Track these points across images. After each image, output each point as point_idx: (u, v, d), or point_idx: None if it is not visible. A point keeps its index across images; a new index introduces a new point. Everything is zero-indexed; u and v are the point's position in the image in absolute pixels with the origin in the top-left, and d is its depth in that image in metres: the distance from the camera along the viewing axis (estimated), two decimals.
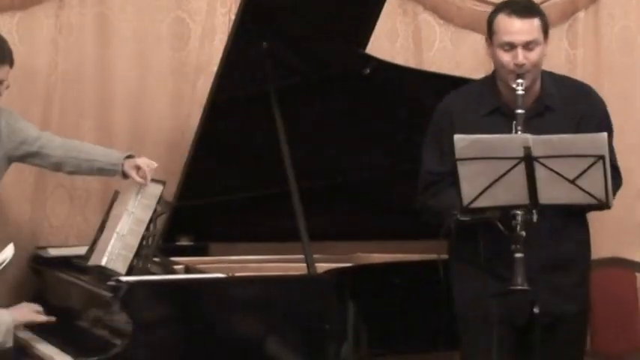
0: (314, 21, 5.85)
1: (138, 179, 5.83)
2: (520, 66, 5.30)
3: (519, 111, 5.21)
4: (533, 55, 5.35)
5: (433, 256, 5.64)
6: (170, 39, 6.66)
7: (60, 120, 6.48)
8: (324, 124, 5.99)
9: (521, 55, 5.32)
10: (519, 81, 5.26)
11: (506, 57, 5.35)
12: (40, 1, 6.46)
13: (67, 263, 6.07)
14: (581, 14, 7.03)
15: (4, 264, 5.21)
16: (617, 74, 6.81)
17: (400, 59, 6.55)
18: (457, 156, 5.02)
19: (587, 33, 7.08)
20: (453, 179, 5.15)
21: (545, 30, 5.48)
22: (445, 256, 5.60)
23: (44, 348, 5.55)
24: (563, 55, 6.54)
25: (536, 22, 5.42)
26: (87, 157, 6.05)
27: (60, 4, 6.49)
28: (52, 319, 5.64)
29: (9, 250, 5.23)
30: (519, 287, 5.01)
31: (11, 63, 5.90)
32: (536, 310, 5.23)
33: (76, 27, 6.52)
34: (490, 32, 5.48)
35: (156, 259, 5.86)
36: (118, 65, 6.60)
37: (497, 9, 5.52)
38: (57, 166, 6.09)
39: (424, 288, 5.76)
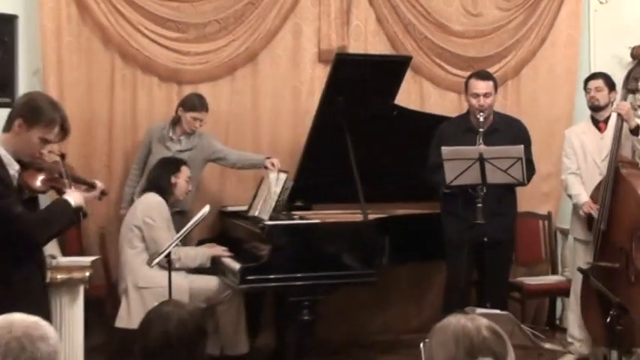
0: (367, 86, 5.77)
1: (273, 169, 5.90)
2: (481, 106, 5.42)
3: (481, 129, 5.34)
4: (488, 101, 5.48)
5: (431, 211, 5.84)
6: (290, 96, 6.50)
7: (233, 142, 6.36)
8: (372, 140, 5.77)
9: (482, 100, 5.45)
10: (481, 114, 5.38)
11: (474, 101, 5.48)
12: (221, 77, 6.36)
13: (237, 215, 6.11)
14: (509, 82, 6.86)
15: (203, 215, 5.13)
16: (528, 115, 6.48)
17: (412, 107, 6.31)
18: (444, 157, 5.17)
19: (512, 92, 6.89)
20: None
21: (496, 87, 5.58)
22: (438, 211, 5.72)
23: (225, 259, 5.59)
24: (499, 102, 6.25)
25: (490, 83, 5.53)
26: (247, 158, 6.13)
27: (232, 79, 6.39)
28: (231, 254, 5.66)
29: (206, 208, 5.15)
30: (479, 222, 5.14)
31: (207, 110, 5.94)
32: (485, 239, 5.30)
33: (241, 91, 6.43)
34: (466, 87, 5.57)
35: (283, 213, 5.89)
36: (263, 111, 6.48)
37: (471, 75, 5.66)
38: (232, 165, 6.16)
39: (426, 227, 5.71)
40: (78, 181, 4.17)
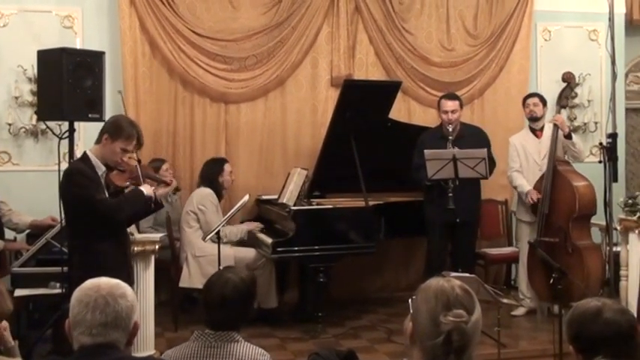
0: (368, 104, 5.67)
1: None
2: (449, 120, 5.35)
3: (450, 137, 5.31)
4: (455, 116, 5.39)
5: (415, 198, 5.70)
6: (310, 112, 6.39)
7: (266, 147, 6.32)
8: (372, 145, 5.67)
9: (450, 115, 5.37)
10: (449, 125, 5.32)
11: (444, 116, 5.41)
12: (256, 97, 6.27)
13: (269, 202, 6.04)
14: (476, 101, 6.72)
15: (244, 203, 5.10)
16: (490, 126, 6.31)
17: (402, 120, 6.23)
18: (426, 158, 5.13)
19: (479, 108, 6.73)
20: (424, 167, 5.17)
21: (461, 105, 5.49)
22: (420, 199, 5.66)
23: (260, 235, 5.63)
24: (468, 116, 6.27)
25: (456, 102, 5.44)
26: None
27: (266, 99, 6.31)
28: (262, 227, 5.68)
29: (246, 197, 5.13)
30: (450, 207, 5.07)
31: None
32: (458, 220, 5.24)
33: (272, 108, 6.33)
34: (438, 106, 5.49)
35: (305, 200, 5.83)
36: (289, 124, 6.37)
37: (441, 97, 5.55)
38: None
39: (412, 211, 5.66)
40: (154, 180, 4.21)
